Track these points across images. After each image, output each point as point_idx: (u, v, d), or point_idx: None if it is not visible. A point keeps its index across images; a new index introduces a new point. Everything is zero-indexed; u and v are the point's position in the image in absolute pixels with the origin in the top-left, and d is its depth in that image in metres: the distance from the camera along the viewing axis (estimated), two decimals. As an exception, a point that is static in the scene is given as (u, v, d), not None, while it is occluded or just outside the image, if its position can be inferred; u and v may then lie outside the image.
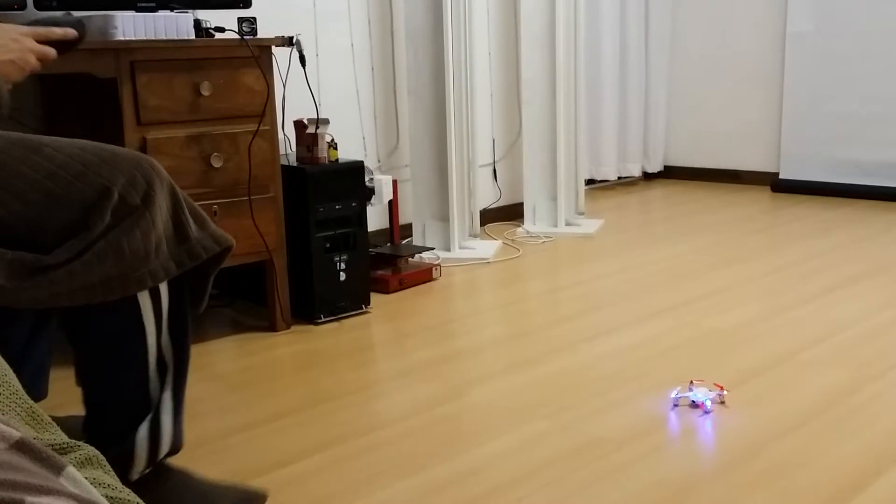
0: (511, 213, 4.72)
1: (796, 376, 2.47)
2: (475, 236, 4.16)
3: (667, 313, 3.08)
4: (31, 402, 0.94)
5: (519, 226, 4.52)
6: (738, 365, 2.56)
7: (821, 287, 3.34)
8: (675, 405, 2.31)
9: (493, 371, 2.60)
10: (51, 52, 1.65)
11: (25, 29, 1.63)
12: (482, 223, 4.35)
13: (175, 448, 1.77)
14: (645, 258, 3.91)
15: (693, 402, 2.30)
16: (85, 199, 1.55)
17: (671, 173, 5.96)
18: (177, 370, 1.74)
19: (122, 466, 1.67)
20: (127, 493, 0.93)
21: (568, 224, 4.49)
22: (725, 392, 2.33)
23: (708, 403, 2.27)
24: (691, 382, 2.37)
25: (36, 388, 1.97)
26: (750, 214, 4.82)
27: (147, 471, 1.72)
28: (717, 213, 4.88)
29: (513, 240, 4.30)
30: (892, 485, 1.85)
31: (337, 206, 3.06)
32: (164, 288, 1.68)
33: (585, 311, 3.16)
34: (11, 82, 1.62)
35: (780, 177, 5.46)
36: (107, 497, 0.85)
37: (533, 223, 4.51)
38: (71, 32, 1.68)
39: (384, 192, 3.41)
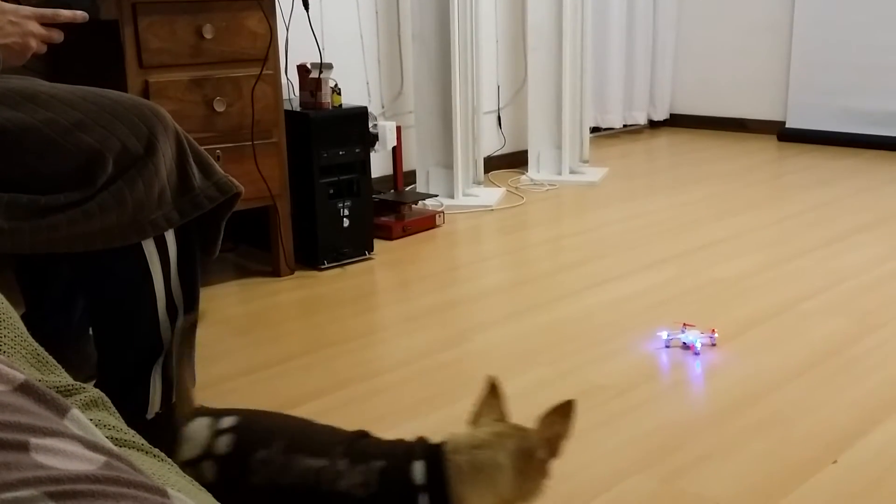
0: (515, 161, 4.70)
1: (797, 325, 2.48)
2: (479, 183, 4.15)
3: (669, 262, 3.09)
4: (36, 344, 0.94)
5: (523, 173, 4.51)
6: (739, 314, 2.57)
7: (824, 237, 3.34)
8: (667, 346, 2.33)
9: (495, 318, 2.61)
10: (56, 35, 1.62)
11: (29, 11, 1.58)
12: (486, 170, 4.34)
13: None
14: (649, 207, 3.91)
15: (684, 343, 2.32)
16: (85, 149, 1.55)
17: (677, 121, 5.93)
18: (187, 314, 1.75)
19: (137, 409, 1.70)
20: (132, 435, 0.94)
21: (572, 172, 4.48)
22: (716, 335, 2.35)
23: (698, 345, 2.29)
24: (684, 325, 2.39)
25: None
26: (755, 164, 4.80)
27: (162, 411, 1.75)
28: (723, 162, 4.86)
29: (517, 187, 4.29)
30: (890, 434, 1.87)
31: (340, 152, 3.05)
32: (170, 236, 1.69)
33: (588, 260, 3.16)
34: (11, 66, 1.59)
35: (787, 126, 5.43)
36: (111, 438, 0.86)
37: (537, 171, 4.50)
38: (80, 15, 1.63)
39: (388, 139, 3.40)
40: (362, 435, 1.23)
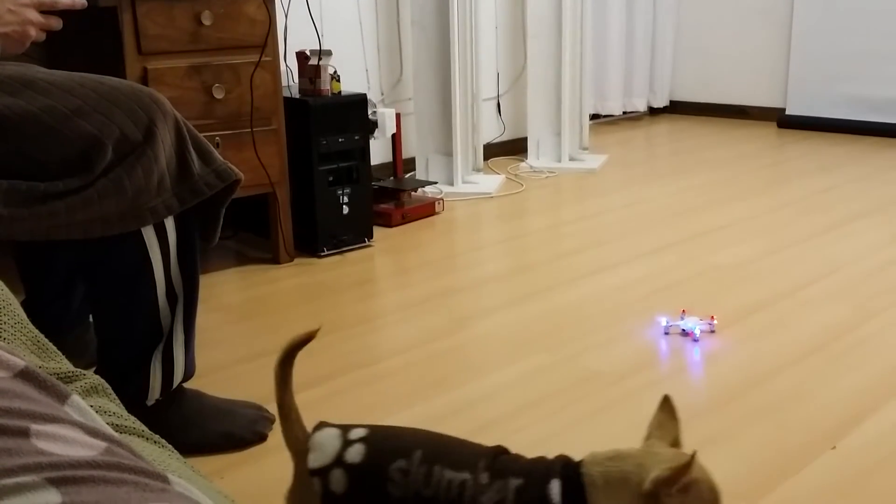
0: (514, 148, 4.70)
1: (796, 312, 2.49)
2: (478, 171, 4.15)
3: (669, 249, 3.09)
4: (36, 331, 0.95)
5: (522, 160, 4.51)
6: (738, 300, 2.58)
7: (824, 224, 3.34)
8: (666, 333, 2.34)
9: (494, 305, 2.62)
10: (55, 23, 1.61)
11: None
12: (485, 157, 4.34)
13: (188, 375, 1.81)
14: (648, 194, 3.91)
15: (683, 330, 2.33)
16: (84, 136, 1.54)
17: (677, 108, 5.92)
18: (187, 301, 1.76)
19: (137, 395, 1.70)
20: (132, 421, 0.94)
21: (572, 159, 4.47)
22: (715, 322, 2.35)
23: (697, 332, 2.30)
24: (683, 312, 2.39)
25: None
26: (755, 150, 4.80)
27: (162, 398, 1.76)
28: (722, 148, 4.85)
29: (516, 174, 4.29)
30: (889, 420, 1.87)
31: (340, 139, 3.05)
32: (169, 223, 1.69)
33: (587, 247, 3.16)
34: (10, 54, 1.59)
35: (787, 112, 5.42)
36: (112, 425, 0.86)
37: (536, 158, 4.49)
38: (79, 2, 1.62)
39: (387, 126, 3.39)
40: (502, 451, 1.19)
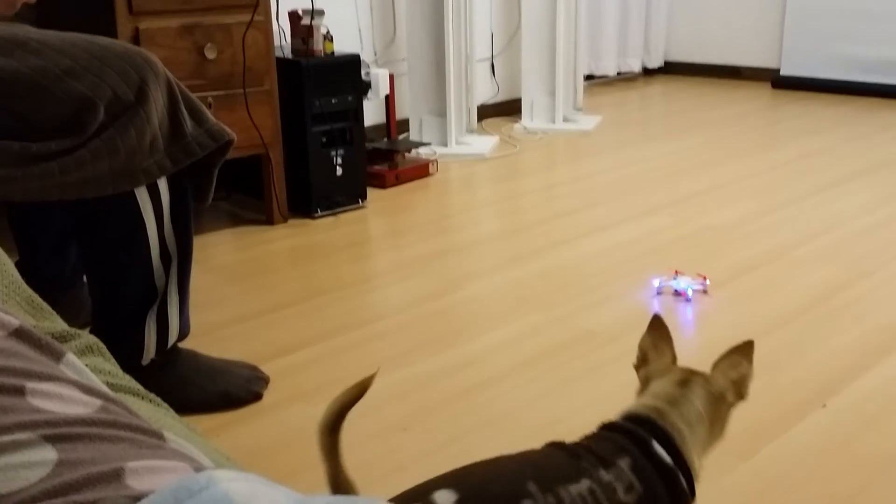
0: (509, 109, 4.68)
1: (788, 272, 2.50)
2: (472, 132, 4.14)
3: (662, 210, 3.09)
4: (30, 290, 0.95)
5: (516, 121, 4.49)
6: (731, 261, 2.58)
7: (817, 184, 3.34)
8: (659, 293, 2.35)
9: (488, 266, 2.62)
10: None
11: None
12: (479, 118, 4.32)
13: (183, 335, 1.82)
14: (642, 155, 3.90)
15: (676, 290, 2.34)
16: (76, 96, 1.54)
17: (671, 69, 5.89)
18: (181, 261, 1.76)
19: (132, 355, 1.71)
20: (128, 380, 0.94)
21: (566, 120, 4.46)
22: (708, 282, 2.36)
23: (689, 292, 2.31)
24: (676, 272, 2.40)
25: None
26: (749, 111, 4.79)
27: (157, 357, 1.77)
28: (717, 109, 4.84)
29: (510, 135, 4.28)
30: (879, 379, 1.89)
31: (333, 100, 3.04)
32: (162, 183, 1.69)
33: (581, 208, 3.16)
34: (2, 16, 1.57)
35: (781, 73, 5.40)
36: (107, 384, 0.87)
37: (530, 119, 4.48)
38: None
39: (381, 86, 3.38)
40: (567, 445, 1.09)
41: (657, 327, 1.21)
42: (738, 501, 1.49)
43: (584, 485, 1.00)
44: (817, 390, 1.84)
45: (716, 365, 1.18)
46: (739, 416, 1.75)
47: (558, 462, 1.04)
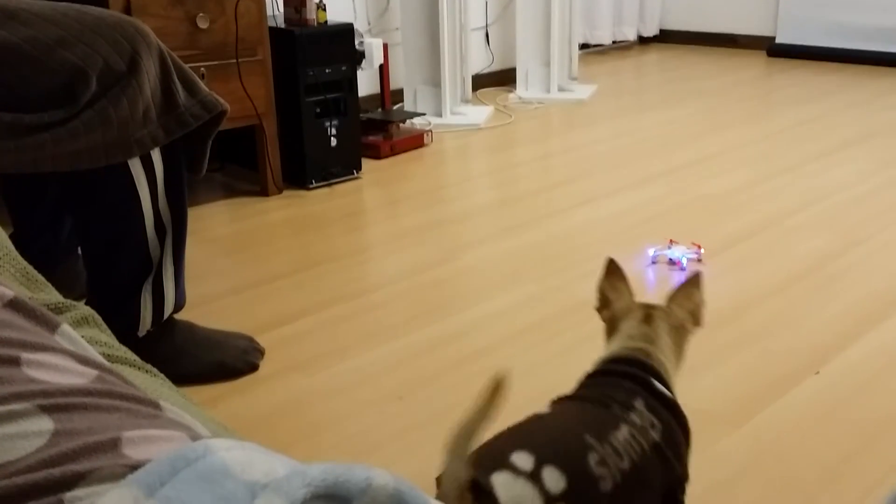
0: (503, 79, 4.66)
1: (781, 241, 2.50)
2: (467, 102, 4.12)
3: (657, 179, 3.09)
4: (25, 262, 0.95)
5: (511, 91, 4.48)
6: (725, 230, 2.59)
7: (811, 153, 3.34)
8: (654, 262, 2.35)
9: (483, 236, 2.63)
10: None
11: None
12: (474, 88, 4.30)
13: (178, 306, 1.82)
14: (637, 124, 3.90)
15: (670, 259, 2.35)
16: (68, 67, 1.53)
17: (667, 37, 5.87)
18: (175, 232, 1.76)
19: (128, 326, 1.71)
20: (124, 351, 0.95)
21: (561, 90, 4.44)
22: (702, 251, 2.37)
23: (684, 261, 2.32)
24: (671, 241, 2.41)
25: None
26: (744, 79, 4.78)
27: (153, 329, 1.77)
28: (712, 78, 4.83)
29: (505, 105, 4.26)
30: (873, 345, 1.90)
31: (327, 70, 3.02)
32: (156, 155, 1.68)
33: (576, 178, 3.16)
34: None
35: (777, 41, 5.38)
36: (103, 355, 0.87)
37: (525, 89, 4.46)
38: None
39: (375, 56, 3.36)
40: (580, 397, 1.14)
41: (613, 270, 1.26)
42: (732, 468, 1.50)
43: (624, 431, 1.05)
44: (810, 357, 1.85)
45: (671, 298, 1.23)
46: (733, 384, 1.76)
47: (596, 414, 1.09)
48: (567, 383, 1.77)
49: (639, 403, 1.10)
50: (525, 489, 0.94)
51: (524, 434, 1.04)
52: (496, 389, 0.94)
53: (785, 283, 2.22)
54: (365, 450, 1.60)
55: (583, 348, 1.93)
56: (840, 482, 1.46)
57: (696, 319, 1.23)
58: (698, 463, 1.53)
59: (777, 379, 1.78)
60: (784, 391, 1.73)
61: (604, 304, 1.26)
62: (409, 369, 1.87)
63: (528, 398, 1.71)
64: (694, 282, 1.24)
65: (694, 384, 1.77)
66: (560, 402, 1.13)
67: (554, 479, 0.97)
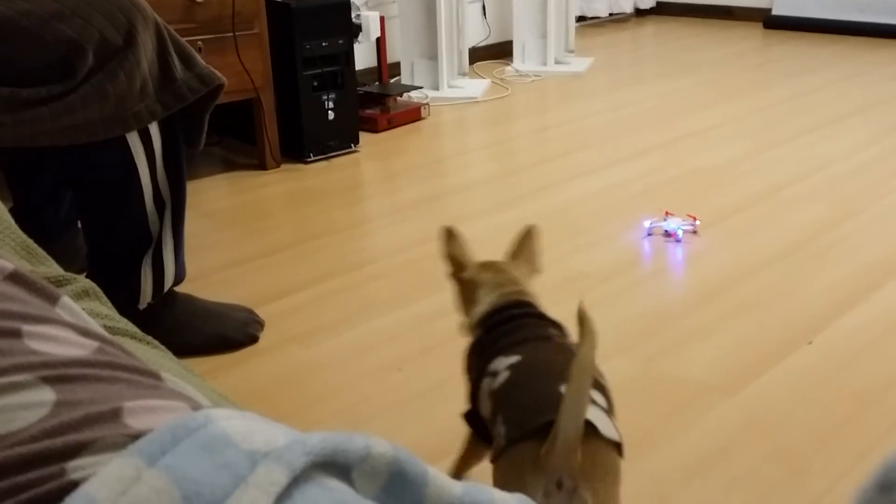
0: (500, 52, 4.64)
1: (777, 212, 2.51)
2: (464, 75, 4.11)
3: (653, 152, 3.09)
4: (25, 236, 0.95)
5: (508, 64, 4.46)
6: (721, 201, 2.59)
7: (807, 124, 3.34)
8: (649, 234, 2.36)
9: (480, 209, 2.63)
10: None
11: None
12: (471, 61, 4.29)
13: (178, 279, 1.83)
14: (634, 97, 3.89)
15: (666, 231, 2.35)
16: (64, 41, 1.53)
17: (663, 10, 5.84)
18: (174, 206, 1.77)
19: (128, 299, 1.72)
20: (125, 323, 0.95)
21: (557, 62, 4.43)
22: (698, 222, 2.38)
23: (680, 233, 2.33)
24: (666, 213, 2.41)
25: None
26: (741, 51, 4.76)
27: (153, 301, 1.78)
28: (708, 50, 4.81)
29: (501, 78, 4.25)
30: (864, 316, 1.91)
31: (324, 44, 3.02)
32: (154, 129, 1.68)
33: (573, 150, 3.16)
34: None
35: (773, 13, 5.36)
36: (104, 327, 0.87)
37: (522, 61, 4.45)
38: None
39: (371, 29, 3.35)
40: (518, 343, 1.19)
41: (452, 236, 1.33)
42: (725, 436, 1.52)
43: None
44: (804, 327, 1.87)
45: (512, 253, 1.32)
46: (727, 354, 1.78)
47: (563, 346, 1.16)
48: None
49: (555, 331, 1.19)
50: (603, 417, 1.01)
51: (560, 369, 1.04)
52: (584, 321, 0.97)
53: (780, 254, 2.23)
54: (364, 420, 1.62)
55: (579, 320, 1.94)
56: (831, 449, 1.47)
57: (535, 267, 1.32)
58: (691, 432, 1.54)
59: (771, 349, 1.79)
60: (777, 361, 1.74)
61: (458, 268, 1.31)
62: (407, 341, 1.88)
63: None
64: (528, 234, 1.32)
65: (688, 354, 1.78)
66: (517, 349, 1.15)
67: (603, 404, 1.05)
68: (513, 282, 1.26)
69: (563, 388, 0.98)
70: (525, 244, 1.32)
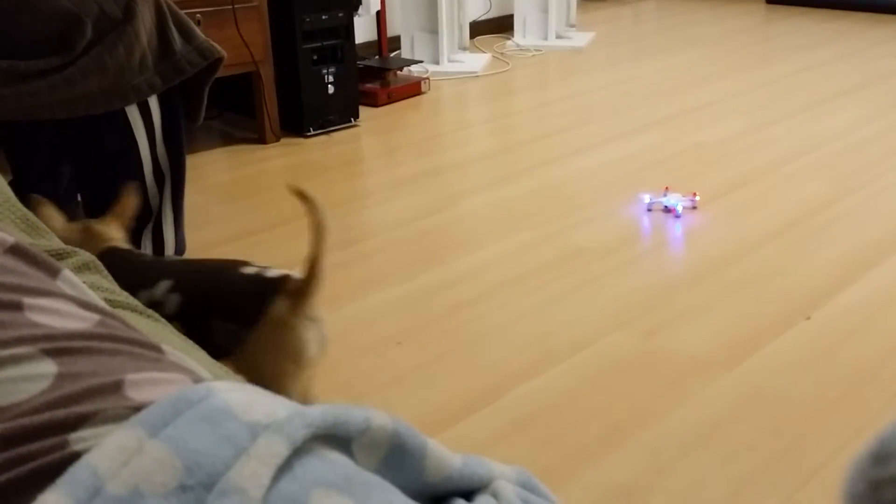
0: (501, 26, 4.62)
1: (776, 188, 2.51)
2: (464, 49, 4.09)
3: (653, 127, 3.08)
4: (25, 209, 0.95)
5: (509, 39, 4.44)
6: (720, 177, 2.59)
7: (808, 101, 3.33)
8: (649, 209, 2.36)
9: (480, 184, 2.63)
10: None
11: None
12: (471, 36, 4.27)
13: (179, 253, 1.83)
14: (635, 72, 3.88)
15: (665, 206, 2.35)
16: (63, 13, 1.52)
17: (666, -17, 5.81)
18: (174, 179, 1.76)
19: None
20: (125, 297, 0.96)
21: (558, 37, 4.41)
22: (698, 198, 2.38)
23: (679, 208, 2.33)
24: (666, 189, 2.41)
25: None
26: (743, 27, 4.74)
27: None
28: (710, 26, 4.79)
29: (502, 53, 4.24)
30: (864, 291, 1.92)
31: (323, 17, 3.00)
32: (153, 102, 1.68)
33: (573, 126, 3.16)
34: None
35: (777, -13, 5.34)
36: (105, 300, 0.87)
37: (523, 36, 4.43)
38: None
39: (371, 2, 3.33)
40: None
41: (39, 204, 1.38)
42: (722, 410, 1.53)
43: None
44: (802, 303, 1.87)
45: (105, 220, 1.42)
46: (726, 329, 1.78)
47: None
48: (562, 329, 1.79)
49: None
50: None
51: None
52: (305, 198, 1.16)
53: (779, 230, 2.23)
54: (364, 393, 1.62)
55: (579, 295, 1.94)
56: (827, 424, 1.48)
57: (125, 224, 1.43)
58: (689, 405, 1.55)
59: (769, 324, 1.80)
60: (775, 336, 1.75)
61: (84, 242, 1.34)
62: (406, 315, 1.89)
63: (525, 343, 1.73)
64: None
65: (685, 329, 1.79)
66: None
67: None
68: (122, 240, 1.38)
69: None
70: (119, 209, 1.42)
